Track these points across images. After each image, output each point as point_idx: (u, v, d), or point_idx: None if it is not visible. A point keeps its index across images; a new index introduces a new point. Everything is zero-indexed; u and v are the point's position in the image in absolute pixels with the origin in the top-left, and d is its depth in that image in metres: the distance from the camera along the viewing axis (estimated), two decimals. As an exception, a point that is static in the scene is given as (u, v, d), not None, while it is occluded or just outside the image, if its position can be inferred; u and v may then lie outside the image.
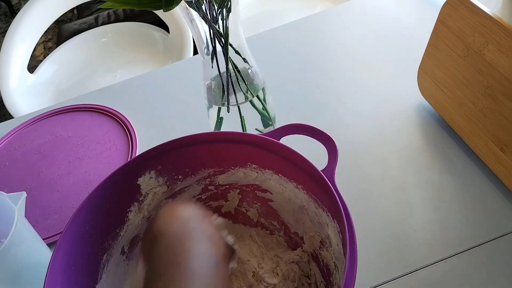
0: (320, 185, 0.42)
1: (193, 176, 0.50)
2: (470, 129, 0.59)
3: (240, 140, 0.47)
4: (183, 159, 0.49)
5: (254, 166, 0.48)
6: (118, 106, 0.80)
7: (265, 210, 0.53)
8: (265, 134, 0.47)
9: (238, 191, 0.52)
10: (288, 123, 0.70)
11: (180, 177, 0.50)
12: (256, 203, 0.53)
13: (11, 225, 0.46)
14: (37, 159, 0.74)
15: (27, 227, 0.53)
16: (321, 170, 0.42)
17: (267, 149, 0.46)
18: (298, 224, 0.50)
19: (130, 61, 1.36)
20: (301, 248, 0.50)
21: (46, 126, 0.80)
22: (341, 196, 0.40)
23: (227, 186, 0.52)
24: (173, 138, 0.49)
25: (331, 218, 0.42)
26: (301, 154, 0.44)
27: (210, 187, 0.52)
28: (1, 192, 0.50)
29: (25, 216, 0.52)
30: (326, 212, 0.43)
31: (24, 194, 0.50)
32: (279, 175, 0.47)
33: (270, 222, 0.53)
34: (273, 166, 0.47)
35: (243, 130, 0.61)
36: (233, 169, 0.50)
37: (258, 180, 0.50)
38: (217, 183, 0.51)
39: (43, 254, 0.54)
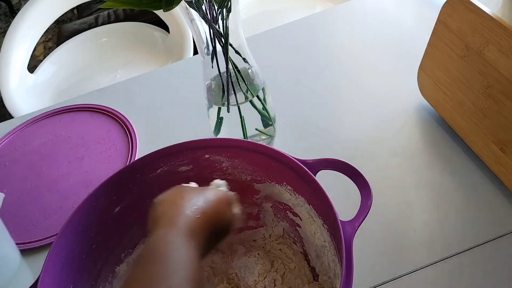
0: (339, 238, 0.39)
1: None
2: (470, 129, 0.59)
3: (279, 159, 0.45)
4: (212, 162, 0.48)
5: (289, 187, 0.47)
6: (118, 106, 0.80)
7: (292, 232, 0.51)
8: (304, 161, 0.45)
9: (271, 204, 0.51)
10: (288, 123, 0.70)
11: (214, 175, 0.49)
12: (285, 222, 0.52)
13: None
14: (37, 159, 0.74)
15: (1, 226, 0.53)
16: (346, 221, 0.39)
17: (301, 177, 0.44)
18: (318, 261, 0.49)
19: (130, 61, 1.36)
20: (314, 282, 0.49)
21: (46, 126, 0.80)
22: (351, 265, 0.37)
23: (262, 197, 0.51)
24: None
25: (341, 273, 0.39)
26: (329, 199, 0.41)
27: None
28: None
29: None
30: (340, 265, 0.40)
31: (2, 195, 0.50)
32: (310, 205, 0.46)
33: (291, 244, 0.52)
34: (305, 195, 0.46)
35: (243, 130, 0.61)
36: (269, 182, 0.49)
37: (291, 202, 0.48)
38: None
39: (11, 252, 0.54)
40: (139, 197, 0.49)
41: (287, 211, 0.50)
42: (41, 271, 0.40)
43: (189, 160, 0.48)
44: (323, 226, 0.44)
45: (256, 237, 0.54)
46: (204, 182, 0.49)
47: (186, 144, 0.48)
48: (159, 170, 0.48)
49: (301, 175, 0.43)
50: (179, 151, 0.48)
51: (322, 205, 0.42)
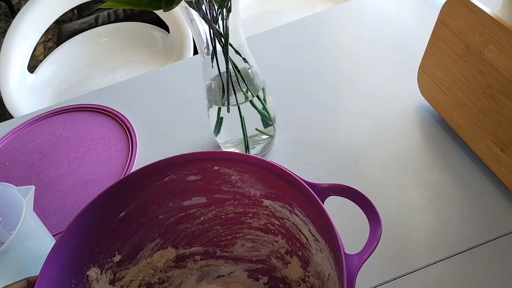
0: (341, 272, 0.38)
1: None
2: (470, 129, 0.59)
3: (288, 179, 0.44)
4: (221, 174, 0.48)
5: (297, 209, 0.45)
6: (118, 106, 0.80)
7: (301, 255, 0.50)
8: (314, 185, 0.43)
9: (279, 223, 0.50)
10: (288, 123, 0.70)
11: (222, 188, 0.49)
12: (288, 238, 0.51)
13: (19, 218, 0.47)
14: (37, 159, 0.74)
15: (36, 220, 0.53)
16: (352, 254, 0.38)
17: (310, 202, 0.42)
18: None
19: (130, 61, 1.36)
20: None
21: (46, 126, 0.80)
22: None
23: (271, 213, 0.50)
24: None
25: None
26: (335, 229, 0.39)
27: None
28: (11, 185, 0.51)
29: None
30: None
31: (33, 187, 0.50)
32: (318, 231, 0.44)
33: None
34: (313, 219, 0.44)
35: (243, 130, 0.61)
36: (279, 202, 0.47)
37: (298, 223, 0.47)
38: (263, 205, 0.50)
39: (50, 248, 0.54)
40: (145, 203, 0.48)
41: (295, 231, 0.49)
42: (40, 272, 0.40)
43: (198, 170, 0.48)
44: (330, 254, 0.42)
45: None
46: (212, 192, 0.49)
47: (195, 154, 0.47)
48: (167, 178, 0.48)
49: (310, 200, 0.42)
50: (188, 161, 0.47)
51: (328, 234, 0.40)
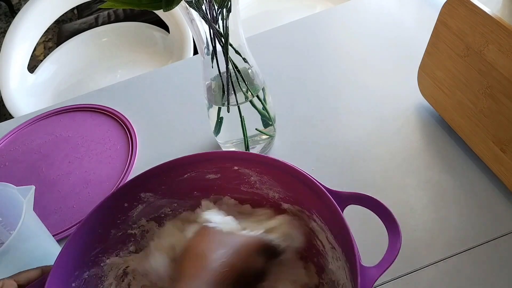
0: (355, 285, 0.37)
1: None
2: (470, 129, 0.59)
3: (308, 184, 0.43)
4: (241, 174, 0.48)
5: (316, 215, 0.45)
6: (118, 106, 0.80)
7: (317, 262, 0.49)
8: (335, 192, 0.42)
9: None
10: (288, 123, 0.70)
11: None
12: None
13: (20, 218, 0.47)
14: (37, 159, 0.74)
15: (36, 220, 0.53)
16: (369, 267, 0.37)
17: (329, 210, 0.42)
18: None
19: (130, 61, 1.36)
20: None
21: (46, 126, 0.80)
22: None
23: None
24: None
25: None
26: (353, 239, 0.38)
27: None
28: (11, 185, 0.51)
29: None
30: None
31: (33, 187, 0.50)
32: (336, 239, 0.43)
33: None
34: (332, 227, 0.43)
35: (243, 130, 0.61)
36: (297, 206, 0.47)
37: (316, 229, 0.46)
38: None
39: (51, 248, 0.54)
40: (163, 198, 0.49)
41: (312, 236, 0.48)
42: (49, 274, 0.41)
43: (218, 169, 0.48)
44: (346, 264, 0.41)
45: None
46: (231, 192, 0.49)
47: (215, 153, 0.48)
48: (187, 175, 0.48)
49: (329, 207, 0.41)
50: (207, 160, 0.47)
51: (346, 244, 0.39)
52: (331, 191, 0.42)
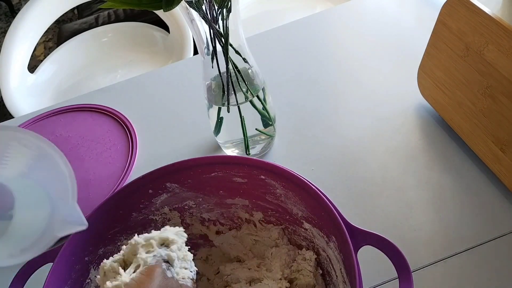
0: None
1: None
2: (470, 129, 0.59)
3: (328, 212, 0.43)
4: (267, 184, 0.49)
5: (333, 241, 0.45)
6: (118, 106, 0.80)
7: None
8: (354, 228, 0.42)
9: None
10: (288, 123, 0.70)
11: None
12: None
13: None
14: (37, 159, 0.74)
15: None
16: None
17: (344, 243, 0.41)
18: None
19: (130, 61, 1.36)
20: None
21: (46, 126, 0.80)
22: None
23: (309, 237, 0.50)
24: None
25: None
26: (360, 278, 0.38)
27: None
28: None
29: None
30: None
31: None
32: (347, 273, 0.43)
33: None
34: (345, 262, 0.43)
35: (243, 130, 0.61)
36: (318, 229, 0.47)
37: (332, 255, 0.46)
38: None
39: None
40: (188, 191, 0.50)
41: (328, 264, 0.48)
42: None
43: (245, 174, 0.48)
44: None
45: None
46: (256, 198, 0.50)
47: (243, 159, 0.48)
48: (214, 174, 0.49)
49: (344, 244, 0.41)
50: (236, 164, 0.48)
51: (353, 285, 0.39)
52: (351, 227, 0.41)
